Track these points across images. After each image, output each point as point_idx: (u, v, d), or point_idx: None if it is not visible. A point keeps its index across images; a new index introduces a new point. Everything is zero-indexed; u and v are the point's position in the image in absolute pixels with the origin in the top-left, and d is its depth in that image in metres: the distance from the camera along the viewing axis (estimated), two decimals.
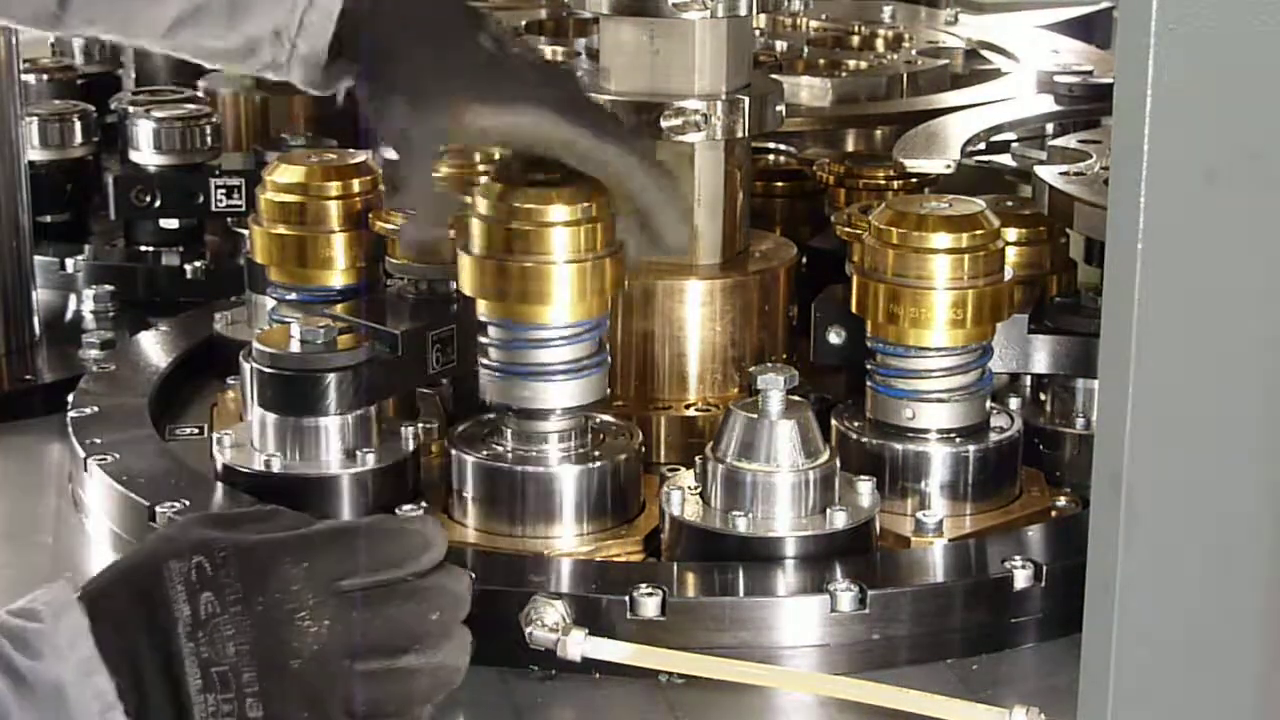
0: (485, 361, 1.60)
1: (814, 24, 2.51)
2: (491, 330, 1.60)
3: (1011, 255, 1.69)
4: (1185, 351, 1.00)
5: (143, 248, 2.37)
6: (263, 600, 1.24)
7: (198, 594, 1.23)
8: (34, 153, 2.35)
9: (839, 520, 1.51)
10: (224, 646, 1.22)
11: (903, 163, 1.82)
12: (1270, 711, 1.04)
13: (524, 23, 2.41)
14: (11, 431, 1.94)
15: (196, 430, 1.85)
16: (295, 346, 1.62)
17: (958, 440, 1.63)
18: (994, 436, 1.65)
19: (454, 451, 1.61)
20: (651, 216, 1.57)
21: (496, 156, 1.99)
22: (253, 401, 1.65)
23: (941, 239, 1.59)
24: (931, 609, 1.47)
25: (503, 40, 1.58)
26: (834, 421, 1.67)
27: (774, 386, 1.52)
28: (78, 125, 2.43)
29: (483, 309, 1.59)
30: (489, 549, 1.56)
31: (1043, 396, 1.80)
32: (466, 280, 1.58)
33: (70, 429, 1.77)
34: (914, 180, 2.02)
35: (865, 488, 1.55)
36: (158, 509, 1.59)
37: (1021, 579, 1.49)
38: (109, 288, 2.21)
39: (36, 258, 2.17)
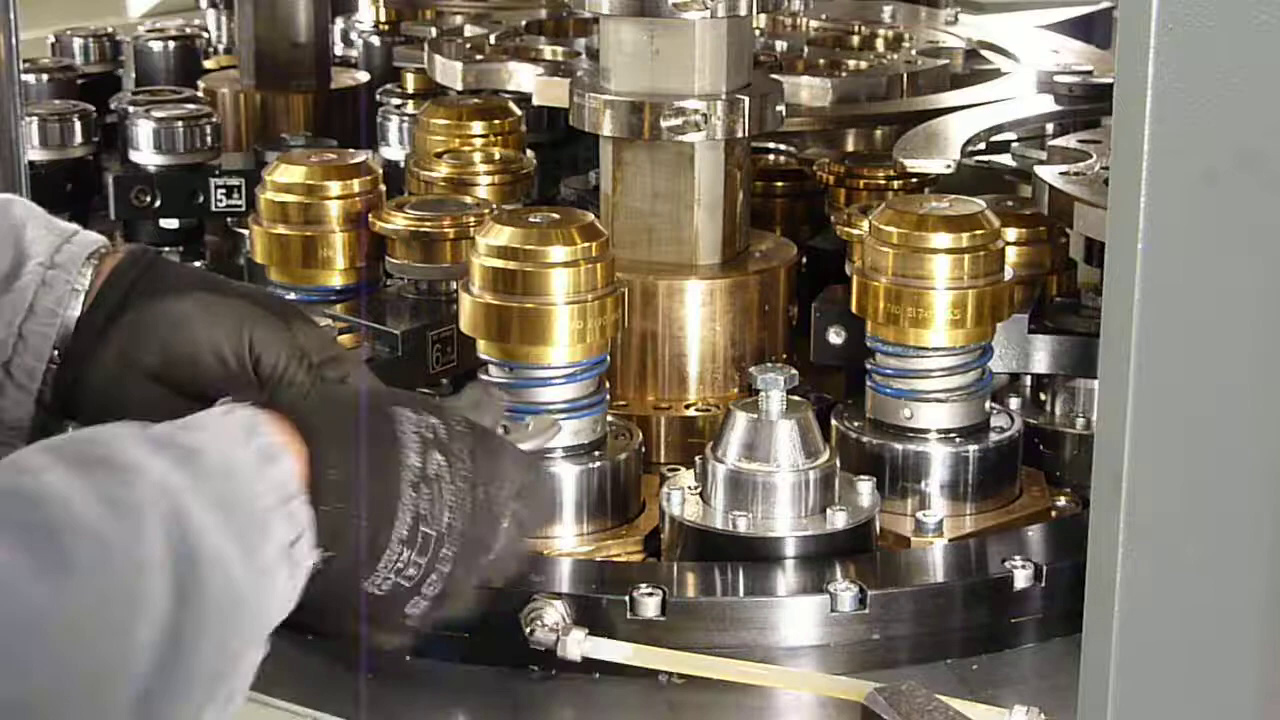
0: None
1: (814, 24, 2.50)
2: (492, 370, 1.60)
3: (1011, 255, 1.69)
4: (1185, 351, 1.00)
5: None
6: (486, 490, 1.22)
7: (428, 451, 1.20)
8: (34, 153, 2.35)
9: (839, 520, 1.51)
10: (440, 513, 1.20)
11: (903, 163, 1.82)
12: (1270, 711, 1.04)
13: (524, 23, 2.41)
14: None
15: None
16: None
17: (958, 440, 1.63)
18: (994, 436, 1.65)
19: None
20: None
21: (496, 156, 2.00)
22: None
23: (941, 239, 1.59)
24: (931, 609, 1.47)
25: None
26: (834, 421, 1.67)
27: (774, 386, 1.52)
28: (78, 125, 2.43)
29: (482, 348, 1.59)
30: None
31: (1043, 396, 1.80)
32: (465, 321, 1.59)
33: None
34: (914, 180, 2.02)
35: (865, 488, 1.55)
36: None
37: (1021, 579, 1.49)
38: None
39: None
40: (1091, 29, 2.82)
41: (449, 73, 2.17)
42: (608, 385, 1.64)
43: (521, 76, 2.12)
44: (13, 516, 1.01)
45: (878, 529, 1.55)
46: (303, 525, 1.14)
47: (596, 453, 1.60)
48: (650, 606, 1.44)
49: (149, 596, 1.03)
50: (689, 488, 1.56)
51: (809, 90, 2.09)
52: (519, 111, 2.11)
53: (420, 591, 1.20)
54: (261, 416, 1.16)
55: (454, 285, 1.69)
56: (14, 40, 2.09)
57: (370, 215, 1.78)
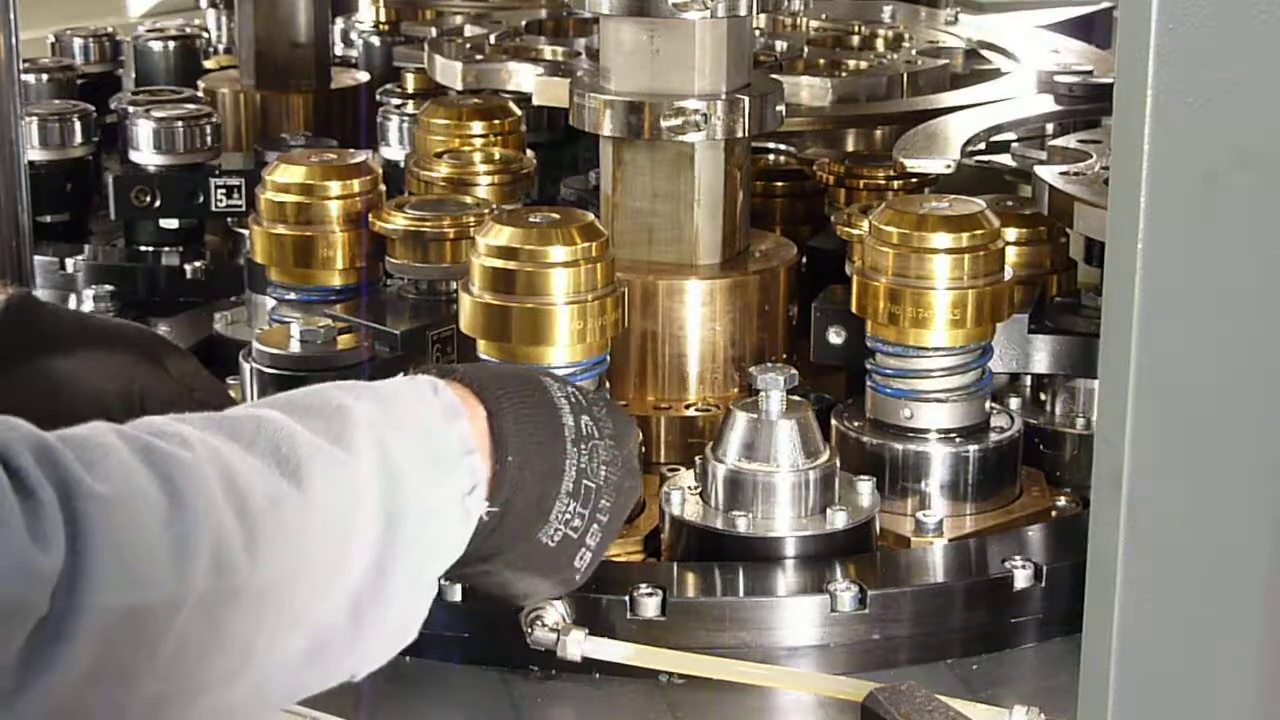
0: None
1: (814, 24, 2.50)
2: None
3: (1011, 255, 1.69)
4: (1185, 351, 1.00)
5: (143, 248, 2.37)
6: (628, 448, 1.34)
7: (579, 413, 1.30)
8: (34, 153, 2.35)
9: (839, 520, 1.51)
10: (598, 467, 1.29)
11: (903, 163, 1.81)
12: (1271, 711, 1.04)
13: (524, 23, 2.41)
14: None
15: None
16: (295, 346, 1.63)
17: (958, 440, 1.63)
18: (994, 436, 1.65)
19: None
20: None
21: (496, 156, 2.00)
22: (253, 401, 1.65)
23: (941, 239, 1.59)
24: (931, 609, 1.47)
25: None
26: (834, 421, 1.67)
27: (774, 386, 1.52)
28: (78, 125, 2.43)
29: (482, 348, 1.59)
30: None
31: (1043, 396, 1.80)
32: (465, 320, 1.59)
33: None
34: (914, 180, 2.02)
35: (865, 488, 1.55)
36: None
37: (1021, 579, 1.49)
38: (109, 288, 2.21)
39: (36, 258, 2.17)
40: (1091, 29, 2.82)
41: (449, 73, 2.17)
42: (608, 385, 1.64)
43: (521, 76, 2.12)
44: (257, 437, 1.11)
45: (878, 529, 1.55)
46: (479, 477, 1.22)
47: None
48: (650, 606, 1.44)
49: (363, 521, 1.12)
50: (689, 488, 1.56)
51: (809, 90, 2.09)
52: (519, 111, 2.11)
53: (584, 542, 1.30)
54: (441, 381, 1.25)
55: (454, 285, 1.69)
56: (14, 40, 2.09)
57: (370, 215, 1.78)
